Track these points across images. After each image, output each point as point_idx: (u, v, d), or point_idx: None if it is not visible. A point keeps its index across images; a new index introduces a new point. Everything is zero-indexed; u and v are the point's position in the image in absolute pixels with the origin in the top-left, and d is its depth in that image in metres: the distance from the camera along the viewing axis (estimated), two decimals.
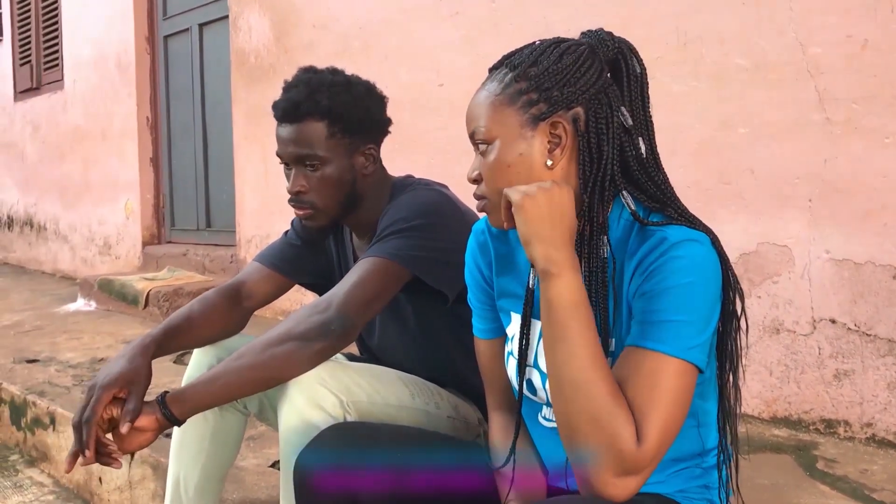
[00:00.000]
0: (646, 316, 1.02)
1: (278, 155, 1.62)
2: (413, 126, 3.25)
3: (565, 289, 1.02)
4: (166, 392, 1.39)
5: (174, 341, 1.61)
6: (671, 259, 1.01)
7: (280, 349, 1.38)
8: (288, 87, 1.62)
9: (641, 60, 1.12)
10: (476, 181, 1.13)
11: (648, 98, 1.13)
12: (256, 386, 1.42)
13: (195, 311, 1.66)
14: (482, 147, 1.11)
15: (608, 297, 1.08)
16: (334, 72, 1.64)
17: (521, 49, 1.13)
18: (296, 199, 1.60)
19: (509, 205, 1.06)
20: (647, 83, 1.12)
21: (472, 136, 1.12)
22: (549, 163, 1.07)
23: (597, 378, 0.98)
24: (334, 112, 1.58)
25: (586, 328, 1.00)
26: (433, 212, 1.55)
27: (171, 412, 1.37)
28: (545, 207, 1.03)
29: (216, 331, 1.67)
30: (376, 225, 1.63)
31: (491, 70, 1.15)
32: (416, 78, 3.34)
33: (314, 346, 1.39)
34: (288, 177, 1.63)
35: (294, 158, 1.59)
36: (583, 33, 1.14)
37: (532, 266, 1.14)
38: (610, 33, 1.13)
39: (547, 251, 1.02)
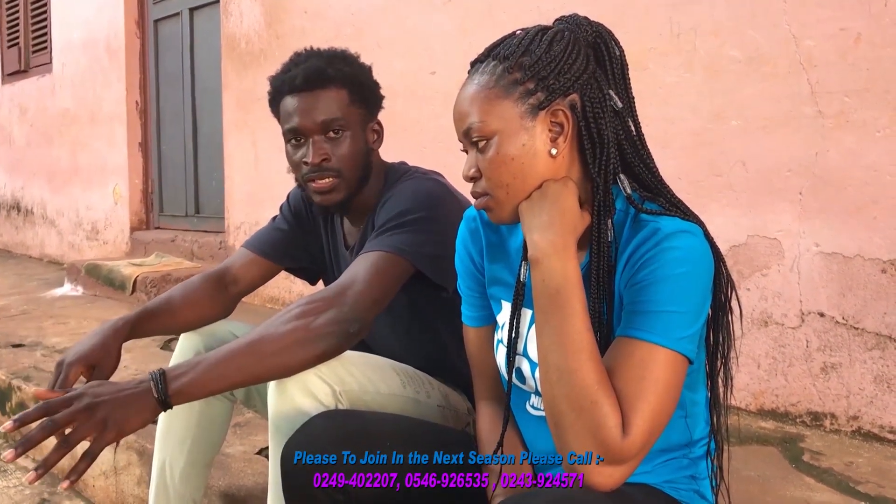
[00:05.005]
0: (637, 306, 1.01)
1: (293, 128, 1.56)
2: (405, 114, 3.24)
3: (552, 275, 1.01)
4: (163, 377, 1.26)
5: (151, 324, 1.58)
6: (664, 250, 1.01)
7: (293, 355, 1.32)
8: (299, 61, 1.58)
9: (619, 43, 1.11)
10: (473, 178, 1.11)
11: (630, 80, 1.12)
12: (262, 381, 1.37)
13: (175, 295, 1.65)
14: (480, 143, 1.09)
15: (613, 282, 1.07)
16: (335, 49, 1.63)
17: (505, 40, 1.11)
18: (317, 169, 1.55)
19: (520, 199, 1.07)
20: (627, 65, 1.12)
21: (466, 133, 1.10)
22: (554, 151, 1.07)
23: (582, 365, 0.98)
24: (355, 80, 1.57)
25: (573, 314, 1.00)
26: (435, 203, 1.54)
27: (168, 394, 1.26)
28: (549, 200, 1.05)
29: (199, 315, 1.66)
30: (370, 209, 1.62)
31: (474, 63, 1.13)
32: (408, 66, 3.32)
33: (326, 349, 1.35)
34: (293, 154, 1.58)
35: (318, 126, 1.54)
36: (558, 20, 1.13)
37: (523, 258, 1.14)
38: (586, 18, 1.12)
39: (543, 238, 1.02)
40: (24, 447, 1.14)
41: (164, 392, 1.25)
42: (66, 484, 1.16)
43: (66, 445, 1.16)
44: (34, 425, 1.17)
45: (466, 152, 1.13)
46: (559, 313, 1.01)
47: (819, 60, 2.18)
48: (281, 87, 1.58)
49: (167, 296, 1.64)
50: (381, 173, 1.66)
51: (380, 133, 1.65)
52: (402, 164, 1.70)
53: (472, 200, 1.15)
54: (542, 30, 1.10)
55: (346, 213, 1.68)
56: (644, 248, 1.03)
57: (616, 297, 1.08)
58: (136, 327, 1.54)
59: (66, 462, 2.64)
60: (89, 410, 1.19)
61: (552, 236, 1.03)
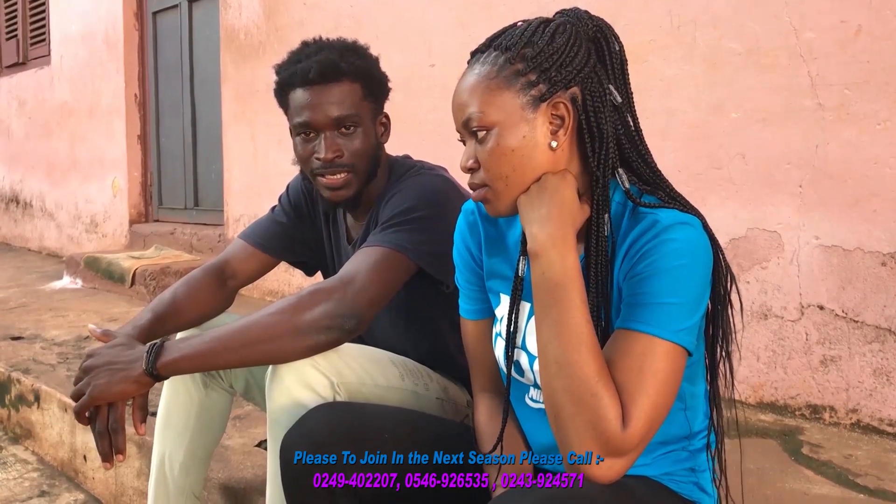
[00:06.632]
0: (636, 298, 1.01)
1: (305, 123, 1.53)
2: (404, 107, 3.22)
3: (552, 268, 1.01)
4: (159, 349, 1.35)
5: (162, 328, 1.59)
6: (663, 242, 1.01)
7: (284, 344, 1.33)
8: (310, 52, 1.55)
9: (618, 38, 1.11)
10: (472, 169, 1.10)
11: (628, 75, 1.11)
12: (250, 364, 1.41)
13: (180, 295, 1.64)
14: (480, 134, 1.08)
15: (611, 275, 1.07)
16: (345, 40, 1.61)
17: (507, 31, 1.10)
18: (330, 165, 1.53)
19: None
20: (626, 61, 1.11)
21: (465, 124, 1.09)
22: (554, 144, 1.06)
23: (582, 358, 0.98)
24: (367, 73, 1.55)
25: (573, 308, 1.00)
26: (442, 201, 1.52)
27: (159, 372, 1.35)
28: (548, 193, 1.04)
29: (202, 312, 1.66)
30: (374, 203, 1.61)
31: (474, 53, 1.12)
32: (407, 58, 3.31)
33: (321, 341, 1.35)
34: (302, 149, 1.56)
35: (331, 122, 1.52)
36: (559, 13, 1.12)
37: (521, 252, 1.14)
38: (586, 11, 1.11)
39: (542, 230, 1.02)
40: None
41: (153, 364, 1.34)
42: (120, 458, 1.36)
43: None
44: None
45: (464, 143, 1.12)
46: (558, 306, 1.00)
47: (819, 52, 2.18)
48: (291, 79, 1.55)
49: (172, 296, 1.63)
50: (386, 167, 1.65)
51: (387, 126, 1.64)
52: (407, 157, 1.69)
53: (470, 192, 1.14)
54: (545, 22, 1.09)
55: (354, 209, 1.67)
56: (643, 240, 1.03)
57: (615, 290, 1.07)
58: (150, 334, 1.54)
59: (67, 454, 2.65)
60: (85, 374, 1.36)
61: (551, 229, 1.02)
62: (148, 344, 1.37)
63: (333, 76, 1.52)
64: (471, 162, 1.10)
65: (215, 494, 1.93)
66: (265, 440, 1.42)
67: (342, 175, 1.54)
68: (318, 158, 1.54)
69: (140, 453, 2.22)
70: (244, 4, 4.26)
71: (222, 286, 1.71)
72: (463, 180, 1.30)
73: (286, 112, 1.59)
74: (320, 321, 1.35)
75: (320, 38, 1.61)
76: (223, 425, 1.75)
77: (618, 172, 1.08)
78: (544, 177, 1.07)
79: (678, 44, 2.45)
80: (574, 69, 1.05)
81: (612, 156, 1.07)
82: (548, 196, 1.05)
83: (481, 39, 1.13)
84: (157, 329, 1.56)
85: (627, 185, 1.07)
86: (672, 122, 2.46)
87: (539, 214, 1.04)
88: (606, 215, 1.07)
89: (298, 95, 1.54)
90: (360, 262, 1.44)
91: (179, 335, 1.67)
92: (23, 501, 2.42)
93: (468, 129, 1.09)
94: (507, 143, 1.06)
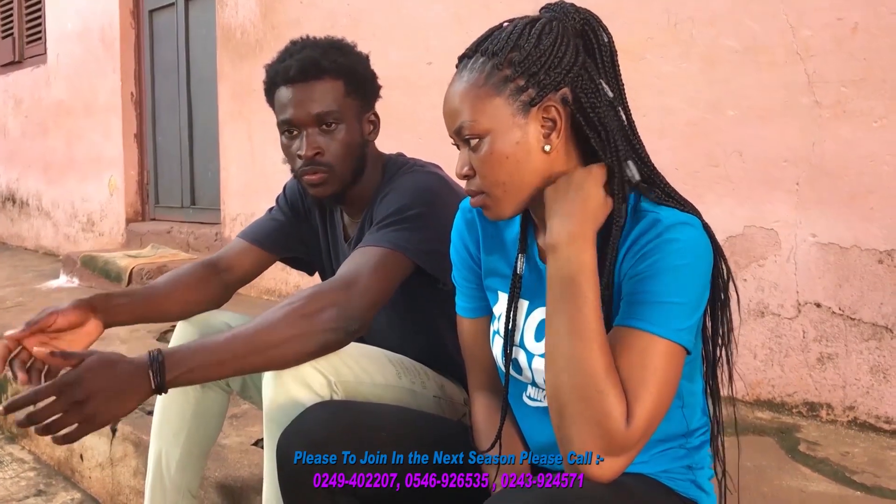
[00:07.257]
0: (637, 296, 1.01)
1: (287, 120, 1.54)
2: (402, 104, 3.22)
3: (568, 264, 1.01)
4: (162, 364, 1.24)
5: (134, 305, 1.54)
6: (666, 241, 1.01)
7: (292, 348, 1.32)
8: (294, 51, 1.56)
9: (607, 29, 1.10)
10: (467, 176, 1.10)
11: (619, 67, 1.10)
12: (257, 371, 1.37)
13: (160, 282, 1.63)
14: (473, 141, 1.07)
15: (615, 268, 1.07)
16: (332, 38, 1.62)
17: (493, 33, 1.09)
18: (311, 163, 1.54)
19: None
20: (616, 52, 1.10)
21: (458, 132, 1.08)
22: (547, 148, 1.06)
23: (593, 354, 0.98)
24: (351, 70, 1.55)
25: (586, 304, 1.00)
26: (435, 199, 1.52)
27: (165, 381, 1.25)
28: (573, 188, 1.04)
29: (187, 298, 1.63)
30: (368, 201, 1.61)
31: (462, 58, 1.11)
32: (405, 56, 3.31)
33: (325, 344, 1.35)
34: (288, 146, 1.57)
35: (312, 119, 1.53)
36: (544, 7, 1.12)
37: (520, 250, 1.14)
38: (572, 4, 1.10)
39: (563, 227, 1.02)
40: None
41: (161, 380, 1.24)
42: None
43: (47, 433, 1.15)
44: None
45: (458, 147, 1.12)
46: (572, 302, 1.00)
47: (816, 50, 2.18)
48: (275, 78, 1.56)
49: (152, 284, 1.63)
50: (379, 165, 1.65)
51: (376, 124, 1.64)
52: (400, 155, 1.69)
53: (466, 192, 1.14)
54: (531, 22, 1.08)
55: (341, 204, 1.67)
56: (644, 238, 1.03)
57: (616, 287, 1.07)
58: (110, 297, 1.50)
59: (63, 453, 2.64)
60: (79, 405, 1.16)
61: (571, 226, 1.02)
62: (147, 357, 1.25)
63: (314, 73, 1.53)
64: (466, 169, 1.09)
65: (212, 493, 1.93)
66: (262, 439, 1.42)
67: (320, 174, 1.55)
68: (299, 156, 1.55)
69: (137, 452, 2.22)
70: (240, 3, 4.26)
71: (214, 276, 1.69)
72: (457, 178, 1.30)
73: (274, 111, 1.60)
74: (325, 324, 1.34)
75: (307, 36, 1.61)
76: (220, 424, 1.75)
77: (627, 164, 1.07)
78: (574, 171, 1.07)
79: (675, 41, 2.45)
80: (562, 70, 1.04)
81: (622, 145, 1.06)
82: (573, 191, 1.04)
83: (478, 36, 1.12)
84: (120, 298, 1.52)
85: (638, 177, 1.07)
86: (669, 119, 2.46)
87: (562, 209, 1.04)
88: (624, 206, 1.06)
89: (282, 93, 1.55)
90: (360, 264, 1.43)
91: (178, 327, 1.66)
92: (19, 500, 2.41)
93: (461, 137, 1.09)
94: (500, 150, 1.05)
